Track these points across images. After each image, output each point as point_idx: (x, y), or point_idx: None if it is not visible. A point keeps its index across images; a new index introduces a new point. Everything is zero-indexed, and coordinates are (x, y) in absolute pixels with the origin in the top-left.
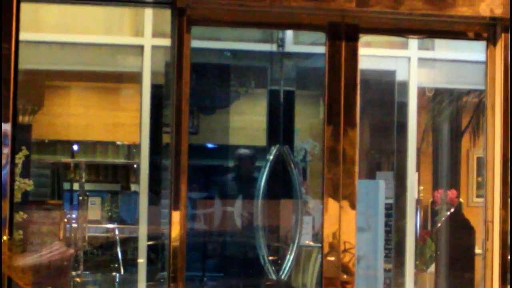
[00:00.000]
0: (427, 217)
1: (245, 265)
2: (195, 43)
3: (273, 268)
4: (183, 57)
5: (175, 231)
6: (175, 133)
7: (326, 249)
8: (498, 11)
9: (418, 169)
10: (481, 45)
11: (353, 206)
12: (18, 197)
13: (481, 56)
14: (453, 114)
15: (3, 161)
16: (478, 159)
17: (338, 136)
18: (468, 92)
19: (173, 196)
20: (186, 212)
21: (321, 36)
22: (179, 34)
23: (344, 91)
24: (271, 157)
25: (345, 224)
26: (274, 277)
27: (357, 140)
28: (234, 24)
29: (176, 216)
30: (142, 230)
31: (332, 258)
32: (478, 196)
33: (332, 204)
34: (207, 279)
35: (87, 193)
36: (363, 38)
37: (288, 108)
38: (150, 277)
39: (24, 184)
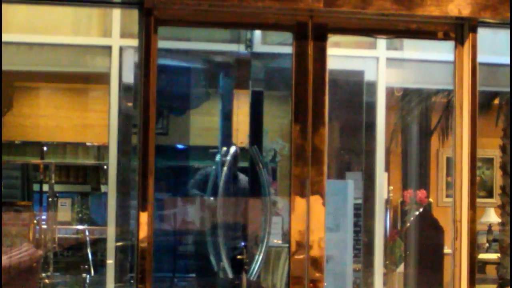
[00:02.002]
0: (397, 217)
1: (202, 265)
2: (166, 44)
3: (231, 268)
4: (150, 58)
5: (143, 232)
6: (143, 134)
7: (293, 248)
8: (466, 11)
9: (387, 169)
10: (449, 45)
11: (322, 205)
12: None
13: (450, 56)
14: (422, 114)
15: None
16: (448, 159)
17: (305, 135)
18: (437, 92)
19: (141, 197)
20: (153, 213)
21: (289, 36)
22: (147, 35)
23: (313, 91)
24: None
25: (314, 222)
26: (231, 276)
27: (326, 140)
28: (201, 24)
29: (144, 217)
30: (111, 231)
31: (300, 257)
32: (448, 196)
33: (299, 203)
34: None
35: (57, 194)
36: (332, 38)
37: (257, 109)
38: (119, 278)
39: None
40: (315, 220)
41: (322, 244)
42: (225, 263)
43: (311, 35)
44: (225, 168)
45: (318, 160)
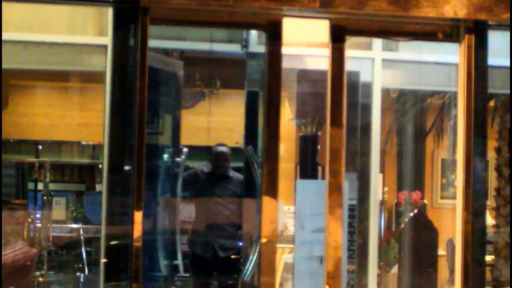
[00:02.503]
0: (392, 218)
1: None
2: (164, 43)
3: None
4: (145, 57)
5: (137, 231)
6: (138, 134)
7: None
8: (462, 13)
9: (382, 170)
10: (445, 46)
11: (340, 206)
12: None
13: (445, 58)
14: (418, 115)
15: None
16: (443, 160)
17: (276, 134)
18: (432, 93)
19: (136, 196)
20: (143, 212)
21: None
22: (143, 34)
23: (331, 93)
24: None
25: (332, 224)
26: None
27: (344, 141)
28: (193, 23)
29: (138, 216)
30: (105, 230)
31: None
32: (442, 197)
33: (268, 202)
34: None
35: (52, 193)
36: (325, 38)
37: (252, 109)
38: (113, 277)
39: None
40: (334, 221)
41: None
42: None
43: (330, 37)
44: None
45: (336, 160)
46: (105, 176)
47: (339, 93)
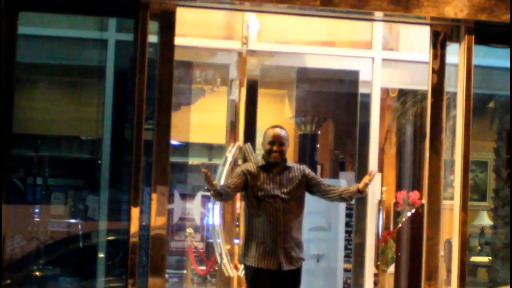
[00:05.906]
0: (390, 218)
1: None
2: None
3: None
4: (145, 53)
5: (134, 226)
6: (136, 130)
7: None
8: (463, 14)
9: (381, 169)
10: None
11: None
12: None
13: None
14: (417, 115)
15: None
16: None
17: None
18: None
19: (133, 192)
20: (141, 208)
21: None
22: (143, 29)
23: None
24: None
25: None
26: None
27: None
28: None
29: (135, 212)
30: (103, 226)
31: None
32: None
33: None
34: None
35: (51, 188)
36: (326, 38)
37: (251, 106)
38: (110, 272)
39: None
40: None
41: None
42: None
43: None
44: None
45: (434, 188)
46: (104, 171)
47: (440, 103)
